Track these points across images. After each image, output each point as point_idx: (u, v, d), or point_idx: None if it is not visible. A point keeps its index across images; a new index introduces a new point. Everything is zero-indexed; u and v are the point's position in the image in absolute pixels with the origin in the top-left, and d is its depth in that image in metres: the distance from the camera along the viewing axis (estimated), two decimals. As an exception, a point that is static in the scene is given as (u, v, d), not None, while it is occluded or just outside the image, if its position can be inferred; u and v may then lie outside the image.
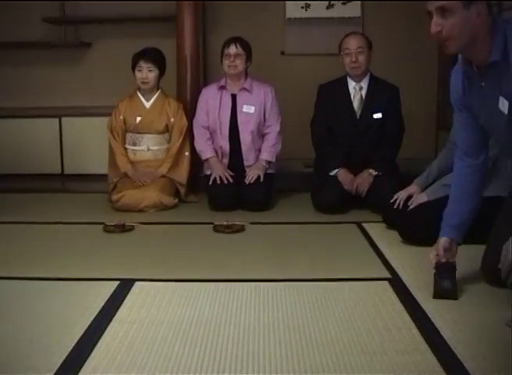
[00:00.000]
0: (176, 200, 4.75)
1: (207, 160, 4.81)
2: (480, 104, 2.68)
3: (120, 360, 2.18)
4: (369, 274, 3.13)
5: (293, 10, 6.14)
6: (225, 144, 4.78)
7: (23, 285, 3.01)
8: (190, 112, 4.99)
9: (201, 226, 4.15)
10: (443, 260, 2.82)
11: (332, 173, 4.52)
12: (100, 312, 2.63)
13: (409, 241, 3.62)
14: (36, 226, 4.21)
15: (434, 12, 2.45)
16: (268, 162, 4.78)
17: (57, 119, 5.87)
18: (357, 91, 4.59)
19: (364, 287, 2.93)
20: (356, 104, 4.59)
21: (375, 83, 4.61)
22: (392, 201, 3.90)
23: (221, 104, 4.78)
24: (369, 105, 4.56)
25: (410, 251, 3.49)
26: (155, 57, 4.82)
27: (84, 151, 5.81)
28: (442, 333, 2.37)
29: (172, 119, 4.87)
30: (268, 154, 4.77)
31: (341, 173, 4.50)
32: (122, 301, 2.76)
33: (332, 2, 6.10)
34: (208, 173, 4.78)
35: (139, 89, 4.90)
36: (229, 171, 4.71)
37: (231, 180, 4.65)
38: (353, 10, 6.09)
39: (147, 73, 4.78)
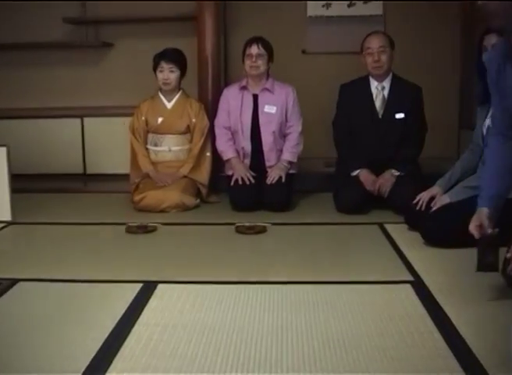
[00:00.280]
0: (198, 200, 4.77)
1: (228, 161, 4.82)
2: None
3: (145, 363, 2.20)
4: (391, 277, 3.13)
5: (314, 8, 6.12)
6: (246, 144, 4.79)
7: (45, 287, 3.04)
8: (212, 112, 5.00)
9: (223, 226, 4.16)
10: (489, 231, 2.79)
11: (354, 174, 4.52)
12: (124, 314, 2.65)
13: (431, 243, 3.61)
14: (58, 227, 4.23)
15: None
16: (290, 163, 4.78)
17: (79, 120, 5.90)
18: (379, 90, 4.58)
19: (386, 290, 2.92)
20: (378, 104, 4.57)
21: (398, 83, 4.60)
22: (414, 202, 3.89)
23: (242, 104, 4.79)
24: (391, 105, 4.55)
25: (433, 254, 3.49)
26: (177, 57, 4.83)
27: (106, 151, 5.83)
28: (465, 338, 2.36)
29: (193, 120, 4.88)
30: (289, 154, 4.77)
31: (363, 174, 4.49)
32: (146, 303, 2.77)
33: (353, 1, 6.07)
34: (230, 173, 4.78)
35: (160, 90, 4.92)
36: (250, 172, 4.72)
37: (252, 181, 4.65)
38: (375, 8, 6.06)
39: (168, 73, 4.79)
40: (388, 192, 4.42)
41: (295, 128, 4.80)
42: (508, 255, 2.69)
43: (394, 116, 4.53)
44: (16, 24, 6.24)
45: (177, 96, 4.92)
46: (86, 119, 5.91)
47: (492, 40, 3.62)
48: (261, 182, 4.66)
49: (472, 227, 2.85)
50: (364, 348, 2.30)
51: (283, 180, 4.64)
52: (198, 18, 5.29)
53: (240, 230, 4.00)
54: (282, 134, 4.82)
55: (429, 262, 3.34)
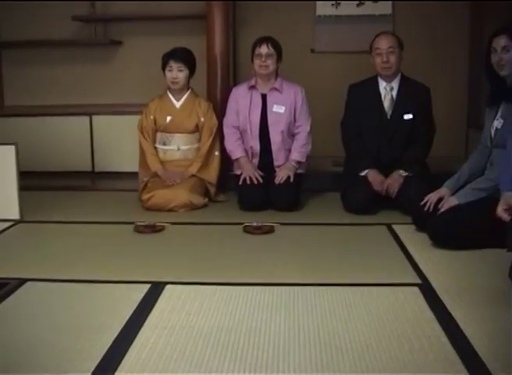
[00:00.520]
0: (206, 199, 4.78)
1: (237, 160, 4.82)
2: None
3: (152, 366, 2.21)
4: (399, 279, 3.13)
5: (324, 8, 6.13)
6: (255, 144, 4.79)
7: (53, 287, 3.06)
8: (220, 111, 5.00)
9: (231, 226, 4.16)
10: None
11: (362, 174, 4.51)
12: (132, 316, 2.66)
13: (439, 245, 3.61)
14: (66, 226, 4.25)
15: None
16: (298, 163, 4.77)
17: (88, 117, 5.90)
18: (387, 91, 4.57)
19: (393, 292, 2.92)
20: (386, 104, 4.56)
21: (406, 84, 4.58)
22: (422, 203, 3.88)
23: (251, 104, 4.78)
24: (400, 105, 4.53)
25: (441, 255, 3.48)
26: (185, 57, 4.82)
27: (115, 149, 5.84)
28: (473, 343, 2.36)
29: (202, 119, 4.88)
30: (298, 154, 4.76)
31: (371, 174, 4.48)
32: (154, 305, 2.78)
33: (362, 1, 6.07)
34: (238, 172, 4.79)
35: (169, 89, 4.92)
36: (258, 171, 4.71)
37: (261, 181, 4.65)
38: (384, 8, 6.06)
39: (177, 72, 4.79)
40: (396, 193, 4.41)
41: (303, 128, 4.79)
42: None
43: (402, 116, 4.52)
44: (24, 22, 6.27)
45: (186, 95, 4.92)
46: (94, 117, 5.91)
47: (501, 42, 3.61)
48: (270, 182, 4.66)
49: (500, 210, 2.98)
50: (371, 351, 2.31)
51: (291, 179, 4.64)
52: (207, 17, 5.27)
53: (248, 230, 4.01)
54: (290, 134, 4.81)
55: (437, 264, 3.34)
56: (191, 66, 4.86)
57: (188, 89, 4.94)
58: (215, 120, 4.91)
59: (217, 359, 2.25)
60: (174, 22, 6.09)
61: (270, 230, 4.02)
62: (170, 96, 4.92)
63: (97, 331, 2.51)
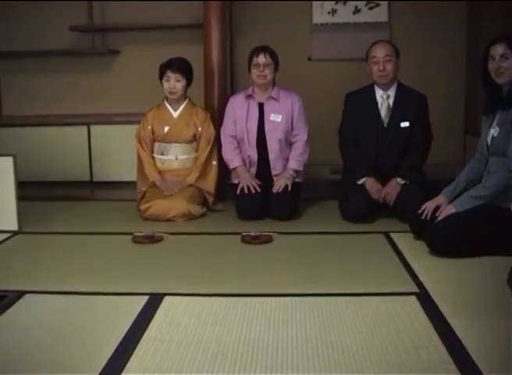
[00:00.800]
0: (204, 209, 4.78)
1: (234, 169, 4.83)
2: None
3: (151, 380, 2.22)
4: (396, 288, 3.13)
5: (320, 15, 6.15)
6: (252, 153, 4.79)
7: (51, 300, 3.06)
8: (218, 121, 5.01)
9: (229, 236, 4.17)
10: None
11: (360, 182, 4.52)
12: (130, 328, 2.66)
13: (436, 253, 3.61)
14: (64, 237, 4.25)
15: None
16: (296, 171, 4.78)
17: (86, 127, 5.92)
18: (384, 99, 4.58)
19: (391, 301, 2.93)
20: (383, 112, 4.57)
21: (403, 92, 4.59)
22: (419, 211, 3.89)
23: (248, 113, 4.79)
24: (397, 113, 4.54)
25: (438, 264, 3.49)
26: (183, 67, 4.83)
27: (113, 159, 5.85)
28: (471, 353, 2.37)
29: (199, 129, 4.89)
30: (295, 163, 4.77)
31: (368, 182, 4.49)
32: (152, 317, 2.79)
33: (358, 7, 6.09)
34: (236, 181, 4.79)
35: (166, 99, 4.93)
36: (256, 180, 4.72)
37: (258, 190, 4.65)
38: (380, 15, 6.08)
39: (174, 82, 4.80)
40: (393, 201, 4.42)
41: (301, 136, 4.80)
42: None
43: (399, 124, 4.53)
44: (22, 32, 6.28)
45: (183, 105, 4.93)
46: (92, 127, 5.92)
47: (499, 49, 3.62)
48: (268, 190, 4.66)
49: None
50: (369, 361, 2.32)
51: (289, 188, 4.64)
52: (204, 26, 5.28)
53: (246, 240, 4.01)
54: (288, 143, 4.82)
55: (435, 272, 3.35)
56: (188, 76, 4.87)
57: (185, 99, 4.95)
58: (212, 130, 4.91)
59: (215, 371, 2.25)
60: (171, 31, 6.11)
61: (268, 240, 4.02)
62: (168, 106, 4.93)
63: (96, 344, 2.51)
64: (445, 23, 6.02)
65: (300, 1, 6.07)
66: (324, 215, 4.73)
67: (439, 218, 3.73)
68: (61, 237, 4.24)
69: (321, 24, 6.14)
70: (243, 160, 4.83)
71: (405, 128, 4.53)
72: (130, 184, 5.21)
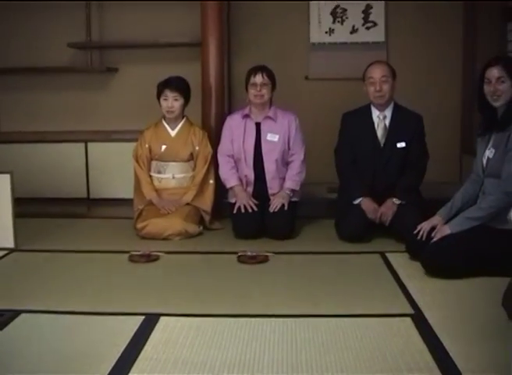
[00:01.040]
0: (201, 227, 4.78)
1: (231, 188, 4.84)
2: None
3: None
4: (392, 310, 3.14)
5: (317, 35, 6.20)
6: (249, 172, 4.80)
7: (47, 320, 3.05)
8: (215, 140, 5.02)
9: (226, 255, 4.17)
10: None
11: (356, 202, 4.53)
12: (126, 349, 2.66)
13: (432, 274, 3.61)
14: (61, 255, 4.25)
15: None
16: (293, 191, 4.79)
17: (83, 144, 5.94)
18: (380, 119, 4.60)
19: (386, 323, 2.93)
20: (380, 133, 4.59)
21: (399, 112, 4.61)
22: (415, 232, 3.90)
23: (245, 132, 4.81)
24: (393, 134, 4.56)
25: (434, 285, 3.49)
26: (181, 86, 4.85)
27: (110, 176, 5.87)
28: (465, 376, 2.37)
29: (196, 148, 4.91)
30: (292, 182, 4.78)
31: (365, 202, 4.51)
32: (148, 337, 2.79)
33: (356, 27, 6.13)
34: (233, 201, 4.80)
35: (164, 117, 4.94)
36: (253, 199, 4.72)
37: (255, 209, 4.66)
38: (377, 35, 6.14)
39: (172, 101, 4.82)
40: (389, 221, 4.44)
41: (297, 156, 4.81)
42: None
43: (395, 145, 4.55)
44: (21, 49, 6.33)
45: (181, 124, 4.95)
46: (90, 144, 5.95)
47: (495, 72, 3.64)
48: (264, 210, 4.67)
49: None
50: (364, 387, 2.32)
51: (286, 208, 4.65)
52: (202, 44, 5.30)
53: (242, 260, 4.01)
54: (284, 162, 4.84)
55: (430, 293, 3.35)
56: (186, 95, 4.89)
57: (183, 117, 4.97)
58: (209, 149, 4.92)
59: (210, 394, 2.26)
60: (169, 49, 6.15)
61: (264, 260, 4.03)
62: (165, 125, 4.95)
63: (92, 364, 2.51)
64: (441, 43, 6.07)
65: (298, 21, 6.13)
66: (320, 234, 4.74)
67: (435, 239, 3.73)
68: (57, 255, 4.24)
69: (319, 43, 6.19)
70: (240, 179, 4.84)
71: (401, 148, 4.55)
72: (127, 202, 5.20)
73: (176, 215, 4.67)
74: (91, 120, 6.33)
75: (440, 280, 3.55)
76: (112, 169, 5.85)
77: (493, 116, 3.75)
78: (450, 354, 2.58)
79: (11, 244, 4.35)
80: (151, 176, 4.95)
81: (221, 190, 5.01)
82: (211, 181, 4.93)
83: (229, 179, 4.83)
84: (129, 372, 2.44)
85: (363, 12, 6.12)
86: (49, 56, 6.29)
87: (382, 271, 3.81)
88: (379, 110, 4.60)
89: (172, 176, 4.92)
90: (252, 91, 4.73)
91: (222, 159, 4.87)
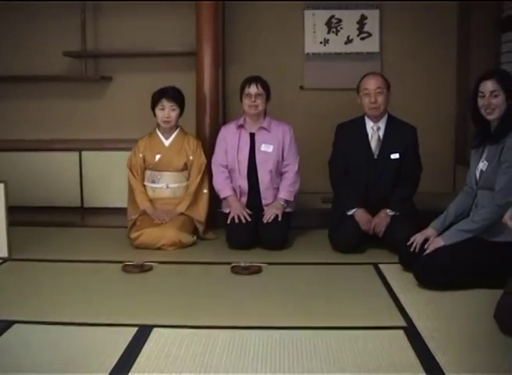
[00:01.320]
0: (195, 237, 4.78)
1: (225, 199, 4.84)
2: None
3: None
4: (384, 322, 3.14)
5: (312, 45, 6.21)
6: (243, 183, 4.80)
7: (40, 330, 3.05)
8: (209, 150, 5.02)
9: (219, 266, 4.17)
10: None
11: (350, 213, 4.55)
12: (119, 360, 2.66)
13: (425, 286, 3.63)
14: (55, 265, 4.24)
15: None
16: (286, 201, 4.79)
17: (77, 153, 5.92)
18: (374, 131, 4.61)
19: (378, 336, 2.94)
20: (373, 144, 4.60)
21: (393, 124, 4.63)
22: (408, 244, 3.91)
23: (239, 143, 4.82)
24: (387, 145, 4.58)
25: (427, 297, 3.50)
26: (177, 96, 4.86)
27: (104, 185, 5.84)
28: (457, 391, 2.38)
29: (190, 157, 4.91)
30: (286, 193, 4.79)
31: (358, 213, 4.52)
32: (141, 349, 2.79)
33: (350, 37, 6.15)
34: (227, 211, 4.80)
35: (158, 127, 4.95)
36: (247, 210, 4.72)
37: (249, 219, 4.66)
38: (372, 45, 6.14)
39: (169, 111, 4.82)
40: (383, 232, 4.45)
41: (291, 167, 4.82)
42: None
43: (389, 156, 4.56)
44: (15, 57, 6.31)
45: (175, 133, 4.95)
46: (84, 153, 5.92)
47: (489, 86, 3.64)
48: (258, 220, 4.68)
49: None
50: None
51: (279, 218, 4.65)
52: (197, 54, 5.30)
53: (236, 271, 4.01)
54: (278, 173, 4.84)
55: (423, 305, 3.36)
56: (182, 105, 4.90)
57: (177, 127, 4.97)
58: (203, 158, 4.93)
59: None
60: (164, 59, 6.15)
61: (258, 271, 4.03)
62: (159, 134, 4.95)
63: (84, 376, 2.51)
64: (436, 54, 6.08)
65: (293, 31, 6.15)
66: (314, 245, 4.75)
67: (428, 251, 3.74)
68: (51, 265, 4.23)
69: (314, 54, 6.19)
70: (234, 190, 4.85)
71: (395, 160, 4.56)
72: (121, 211, 5.19)
73: (170, 225, 4.66)
74: (85, 129, 6.32)
75: (433, 292, 3.56)
76: (106, 178, 5.83)
77: (487, 129, 3.76)
78: (442, 367, 2.58)
79: (4, 254, 4.34)
80: (145, 185, 4.95)
81: (215, 200, 5.00)
82: (205, 191, 4.93)
83: (223, 189, 4.84)
84: (121, 385, 2.44)
85: (358, 22, 6.13)
86: (44, 65, 6.27)
87: (374, 282, 3.82)
88: (373, 121, 4.62)
89: (166, 185, 4.92)
90: (246, 102, 4.75)
91: (216, 169, 4.87)
